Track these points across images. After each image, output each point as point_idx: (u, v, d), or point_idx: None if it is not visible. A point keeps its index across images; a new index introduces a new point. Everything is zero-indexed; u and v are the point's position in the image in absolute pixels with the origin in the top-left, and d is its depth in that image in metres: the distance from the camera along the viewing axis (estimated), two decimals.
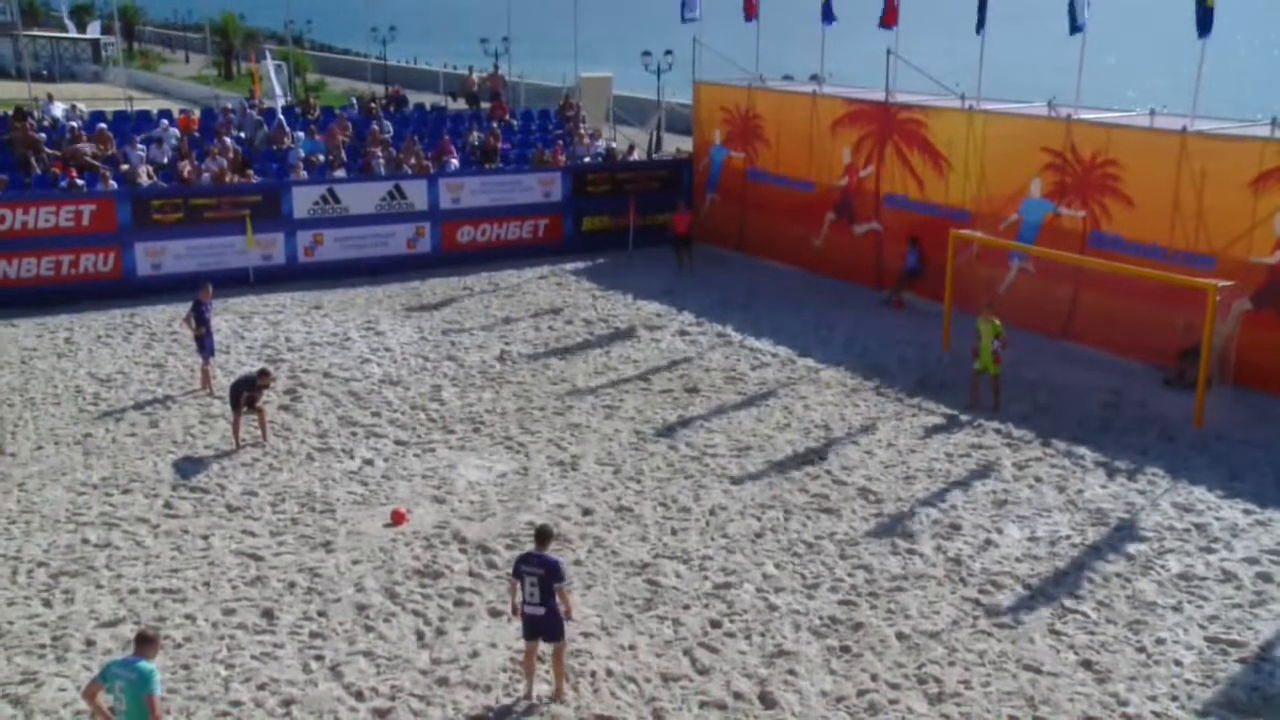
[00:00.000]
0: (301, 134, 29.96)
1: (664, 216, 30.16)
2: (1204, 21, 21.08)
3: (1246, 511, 15.86)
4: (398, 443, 18.06)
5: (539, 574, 11.23)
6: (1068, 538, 15.13)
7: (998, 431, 18.65)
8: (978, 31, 24.58)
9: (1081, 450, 17.85)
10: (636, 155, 33.68)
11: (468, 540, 14.93)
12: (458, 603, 13.48)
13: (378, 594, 13.65)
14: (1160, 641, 12.81)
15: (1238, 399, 19.49)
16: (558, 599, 11.31)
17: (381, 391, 20.25)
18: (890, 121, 26.40)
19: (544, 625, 11.36)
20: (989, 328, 19.30)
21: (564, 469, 17.19)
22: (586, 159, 31.87)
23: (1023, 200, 23.64)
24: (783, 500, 16.22)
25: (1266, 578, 14.11)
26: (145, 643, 9.79)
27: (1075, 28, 23.00)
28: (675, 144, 37.70)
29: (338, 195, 27.89)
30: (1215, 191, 20.49)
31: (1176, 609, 13.45)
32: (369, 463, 17.33)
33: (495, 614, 13.19)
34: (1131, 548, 14.86)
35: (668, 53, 41.35)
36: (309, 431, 18.40)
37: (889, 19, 26.50)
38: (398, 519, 15.46)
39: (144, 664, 9.61)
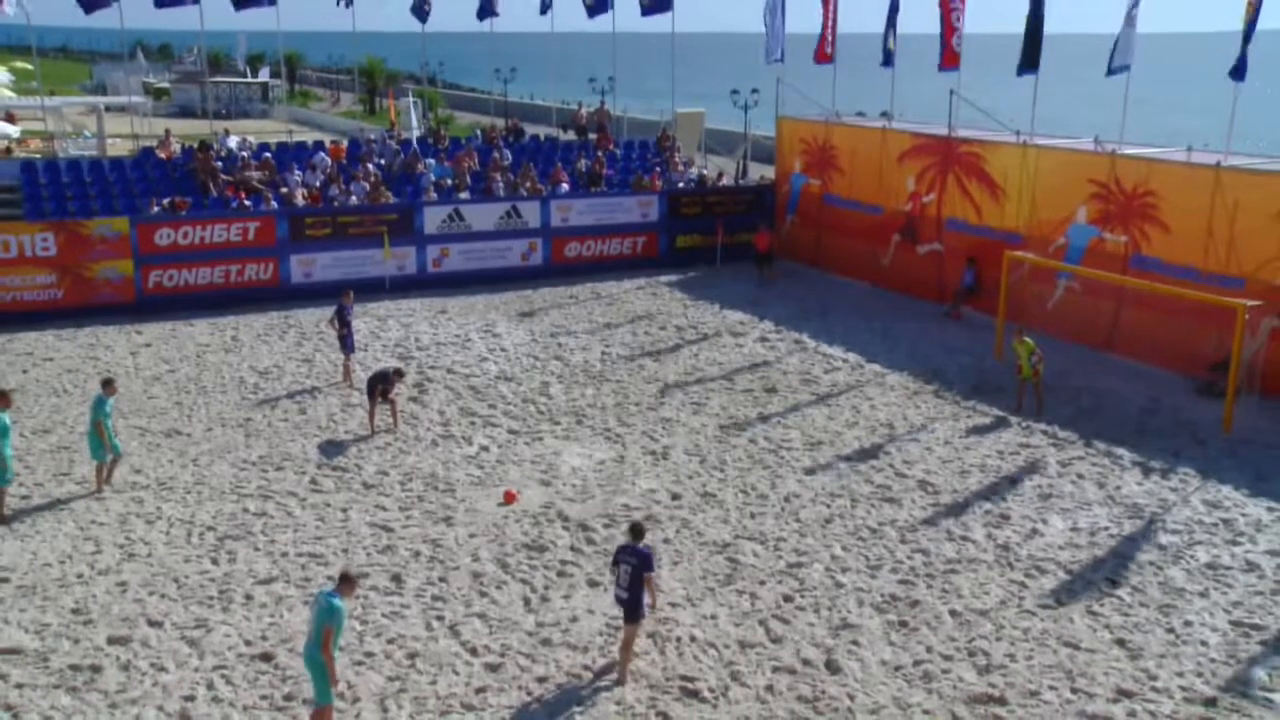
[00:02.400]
0: (433, 161, 30.46)
1: (748, 235, 30.10)
2: (1239, 68, 20.57)
3: (1270, 509, 15.44)
4: (510, 432, 18.30)
5: (633, 563, 11.28)
6: (1106, 529, 14.88)
7: (1044, 433, 18.36)
8: (1018, 74, 24.22)
9: (1120, 451, 17.51)
10: (725, 181, 33.62)
11: (570, 519, 15.09)
12: (560, 574, 13.66)
13: (491, 564, 13.88)
14: (1188, 624, 12.56)
15: (1264, 407, 18.95)
16: (645, 587, 11.35)
17: (497, 386, 20.53)
18: (952, 154, 26.07)
19: (627, 606, 11.38)
20: (1024, 348, 18.96)
21: (656, 458, 17.28)
22: (680, 184, 31.87)
23: (1070, 226, 23.20)
24: (850, 490, 16.16)
25: None
26: (344, 581, 10.09)
27: (1111, 70, 22.57)
28: (760, 172, 37.53)
29: (462, 214, 28.29)
30: (1245, 220, 19.94)
31: (1204, 595, 13.17)
32: (485, 449, 17.60)
33: (593, 584, 13.35)
34: (1164, 539, 14.57)
35: (754, 91, 41.24)
36: (434, 420, 18.74)
37: (948, 62, 26.18)
38: (509, 499, 15.70)
39: (336, 600, 9.83)
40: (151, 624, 12.49)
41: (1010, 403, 19.60)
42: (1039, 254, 22.95)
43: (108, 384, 15.92)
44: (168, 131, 30.79)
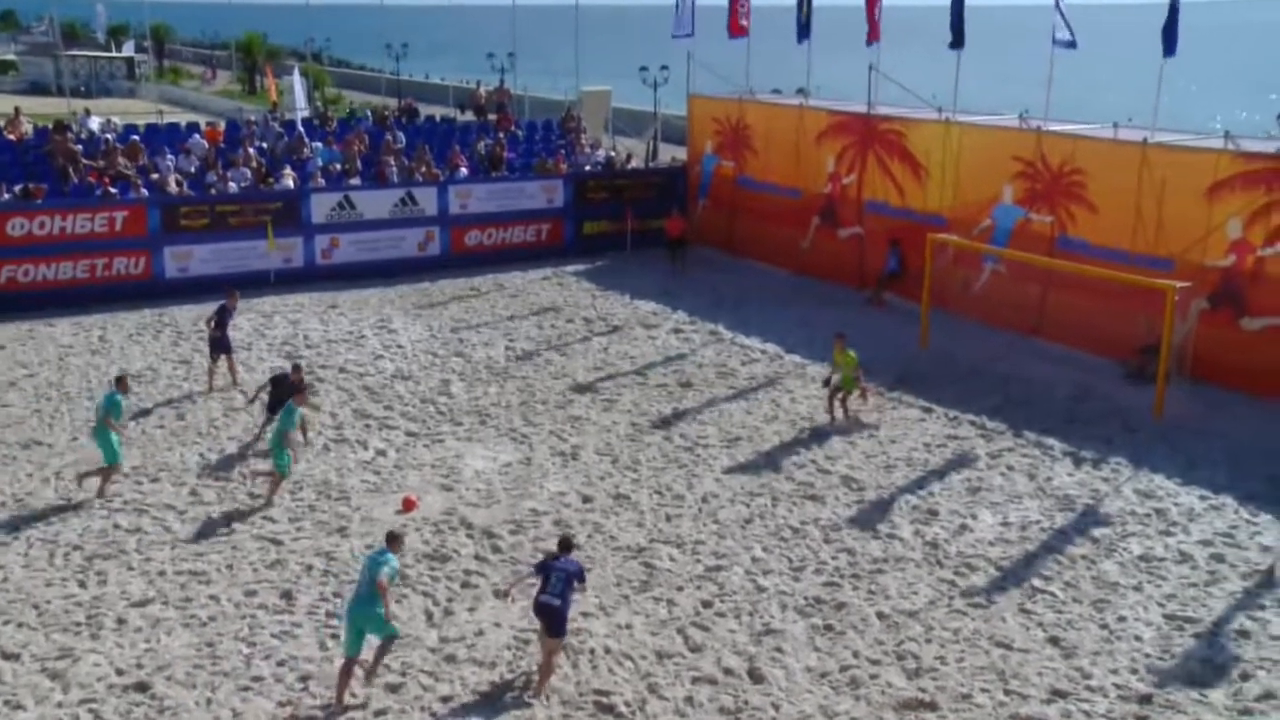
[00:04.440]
0: (320, 144, 29.90)
1: (659, 221, 30.09)
2: (1168, 42, 21.14)
3: (1202, 497, 15.91)
4: (408, 434, 18.04)
5: (567, 571, 11.55)
6: (1037, 523, 15.17)
7: (972, 423, 18.67)
8: (951, 47, 24.63)
9: (1050, 441, 17.87)
10: (634, 164, 33.61)
11: (474, 526, 14.92)
12: (464, 585, 13.49)
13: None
14: (1122, 619, 12.85)
15: (1195, 392, 19.52)
16: (573, 597, 11.67)
17: (393, 386, 20.23)
18: (872, 132, 26.38)
19: (557, 616, 11.44)
20: (847, 361, 18.32)
21: (565, 459, 17.18)
22: (587, 167, 31.80)
23: (995, 206, 23.65)
24: (770, 488, 16.23)
25: (1219, 558, 14.18)
26: (392, 540, 11.66)
27: (1060, 43, 22.98)
28: (670, 153, 37.66)
29: (353, 202, 27.82)
30: (1174, 199, 20.51)
31: (1137, 589, 13.50)
32: (381, 453, 17.32)
33: (500, 595, 13.19)
34: (1096, 531, 14.90)
35: (664, 68, 41.30)
36: (325, 424, 18.38)
37: (874, 35, 26.49)
38: (408, 506, 15.47)
39: (388, 554, 11.41)
40: (6, 657, 11.99)
41: (939, 393, 19.91)
42: (964, 236, 23.35)
43: (121, 380, 16.08)
44: (17, 110, 29.64)
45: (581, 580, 11.82)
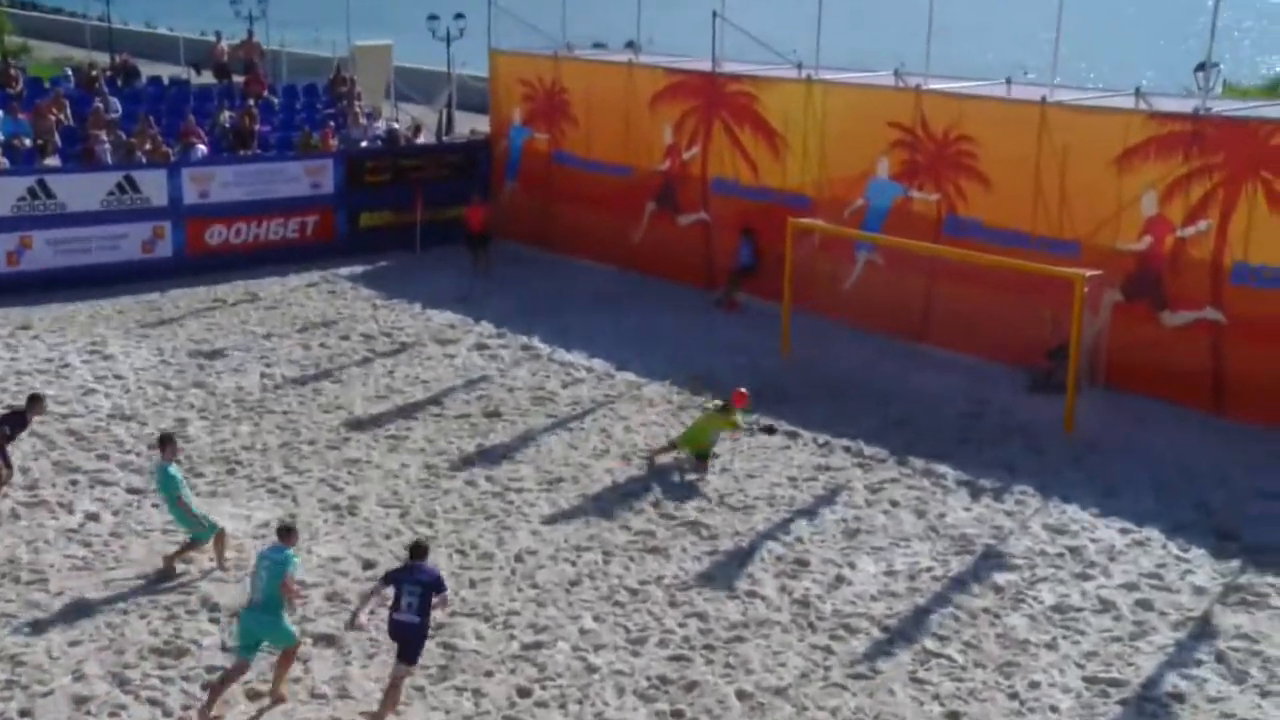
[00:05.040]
0: (0, 112, 28.70)
1: (457, 210, 29.80)
2: None
3: (1124, 530, 16.40)
4: (131, 491, 17.31)
5: (423, 583, 12.21)
6: (929, 570, 15.39)
7: (847, 450, 18.91)
8: None
9: (942, 468, 18.21)
10: (423, 138, 33.34)
11: (220, 607, 14.34)
12: (205, 686, 12.88)
13: (102, 682, 12.94)
14: (1034, 685, 13.08)
15: (1110, 403, 20.19)
16: (433, 613, 12.39)
17: (110, 429, 19.44)
18: (717, 95, 26.67)
19: (412, 636, 12.17)
20: (727, 424, 18.25)
21: (340, 514, 16.77)
22: (364, 143, 31.42)
23: (869, 182, 24.16)
24: (602, 540, 16.12)
25: (1147, 605, 14.59)
26: (286, 533, 12.77)
27: None
28: (469, 124, 37.41)
29: (50, 189, 26.76)
30: (1078, 170, 21.27)
31: (1051, 646, 13.78)
32: (93, 517, 16.55)
33: (254, 696, 12.69)
34: (1000, 578, 15.18)
35: (458, 16, 41.12)
36: (14, 482, 17.46)
37: None
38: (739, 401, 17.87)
39: (286, 551, 12.50)
40: None
41: (806, 413, 20.14)
42: (832, 220, 23.74)
43: (167, 442, 15.38)
44: None
45: (440, 590, 12.38)
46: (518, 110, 31.34)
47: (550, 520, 16.69)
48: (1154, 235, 20.62)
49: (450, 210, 30.25)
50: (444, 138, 35.31)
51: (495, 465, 18.40)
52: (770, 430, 18.99)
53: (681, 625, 14.16)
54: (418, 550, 12.64)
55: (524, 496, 17.37)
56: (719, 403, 18.57)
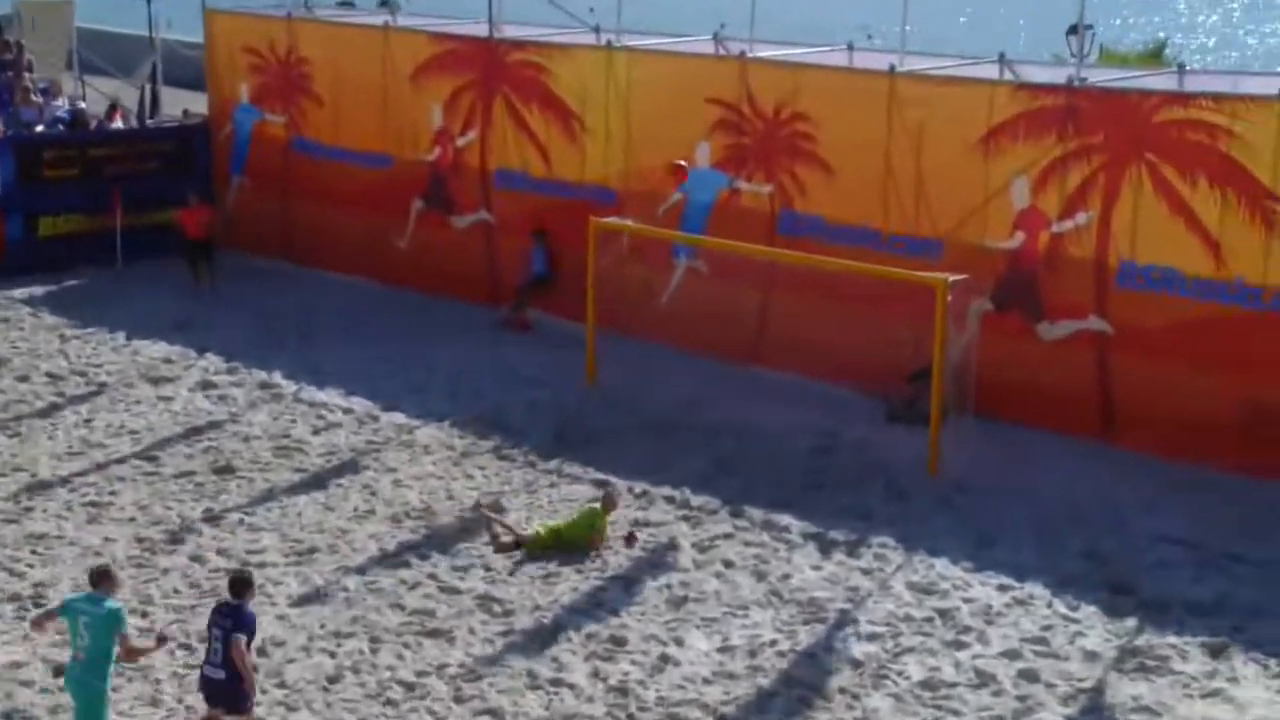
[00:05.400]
0: None
1: (169, 213, 29.41)
2: None
3: (1002, 587, 16.93)
4: None
5: (226, 626, 12.80)
6: (772, 643, 15.64)
7: (670, 500, 19.20)
8: None
9: (785, 519, 18.59)
10: (121, 121, 32.82)
11: None
12: None
13: None
14: None
15: (983, 433, 20.79)
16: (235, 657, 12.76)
17: None
18: (498, 66, 26.81)
19: (224, 692, 12.80)
20: (596, 521, 18.18)
21: (21, 606, 16.33)
22: (39, 127, 30.96)
23: (687, 172, 24.48)
24: (368, 624, 16.06)
25: (1031, 676, 15.06)
26: (103, 578, 13.11)
27: None
28: (181, 103, 36.80)
29: None
30: (937, 154, 21.94)
31: None
32: None
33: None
34: (858, 650, 15.51)
35: None
36: None
37: None
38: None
39: (111, 603, 12.87)
40: None
41: (616, 452, 20.39)
42: (643, 219, 24.00)
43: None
44: None
45: (246, 633, 12.94)
46: (244, 86, 31.03)
47: (302, 601, 16.56)
48: (1027, 231, 21.40)
49: (160, 213, 29.80)
50: (148, 121, 34.67)
51: (229, 535, 18.22)
52: (631, 539, 18.27)
53: None
54: (233, 586, 13.23)
55: (267, 573, 17.14)
56: (596, 504, 18.37)
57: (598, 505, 18.26)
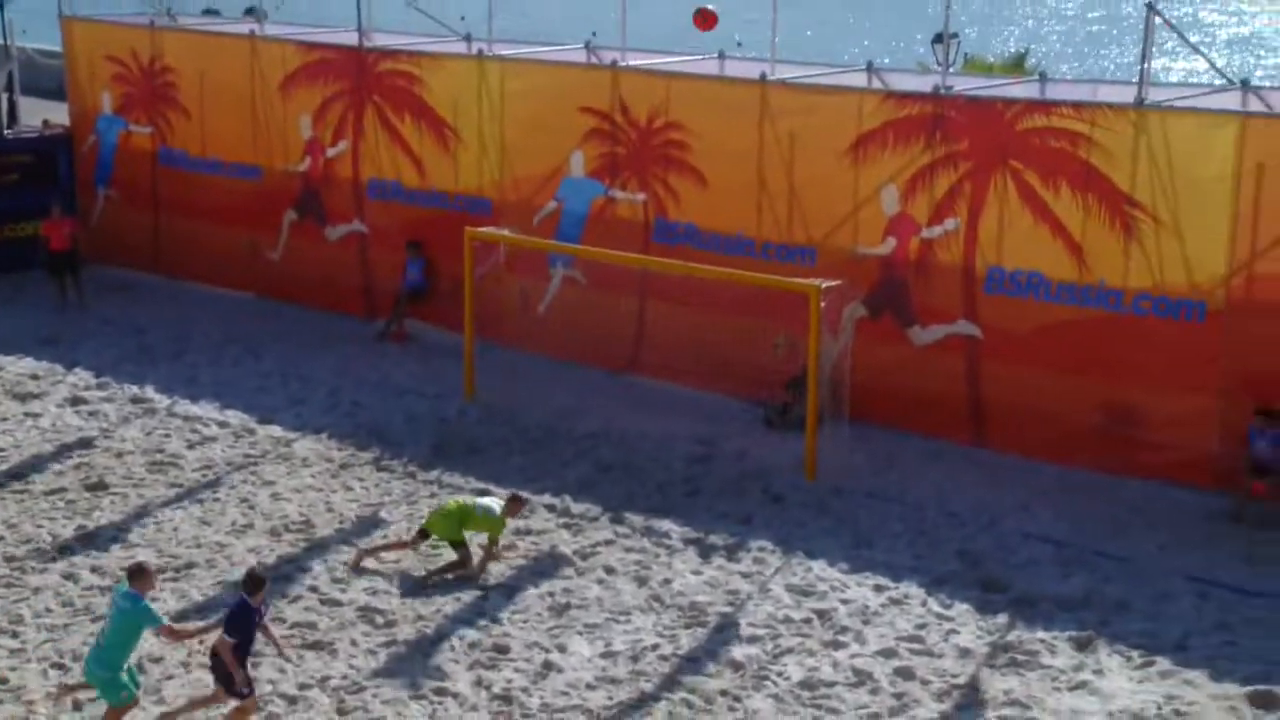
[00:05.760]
0: None
1: (30, 226, 29.11)
2: None
3: (878, 588, 17.36)
4: None
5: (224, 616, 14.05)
6: (654, 648, 15.93)
7: (551, 509, 19.41)
8: None
9: (665, 525, 18.88)
10: None
11: None
12: None
13: None
14: None
15: (859, 438, 21.22)
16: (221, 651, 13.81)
17: None
18: (368, 76, 26.83)
19: (215, 671, 14.03)
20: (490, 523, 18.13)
21: None
22: None
23: (562, 181, 24.78)
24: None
25: (907, 674, 15.48)
26: (138, 575, 13.82)
27: None
28: (41, 113, 36.34)
29: None
30: (808, 162, 22.34)
31: None
32: None
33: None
34: (739, 653, 15.83)
35: None
36: None
37: None
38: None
39: (144, 602, 13.64)
40: None
41: (494, 467, 20.59)
42: (519, 229, 24.13)
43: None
44: None
45: (229, 628, 13.83)
46: (107, 95, 30.74)
47: (180, 618, 16.40)
48: (898, 237, 21.87)
49: (20, 227, 29.53)
50: (6, 131, 34.22)
51: (103, 552, 18.12)
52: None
53: None
54: (250, 582, 14.15)
55: None
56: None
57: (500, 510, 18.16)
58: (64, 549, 18.18)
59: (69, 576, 17.52)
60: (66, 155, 31.45)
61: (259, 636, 14.18)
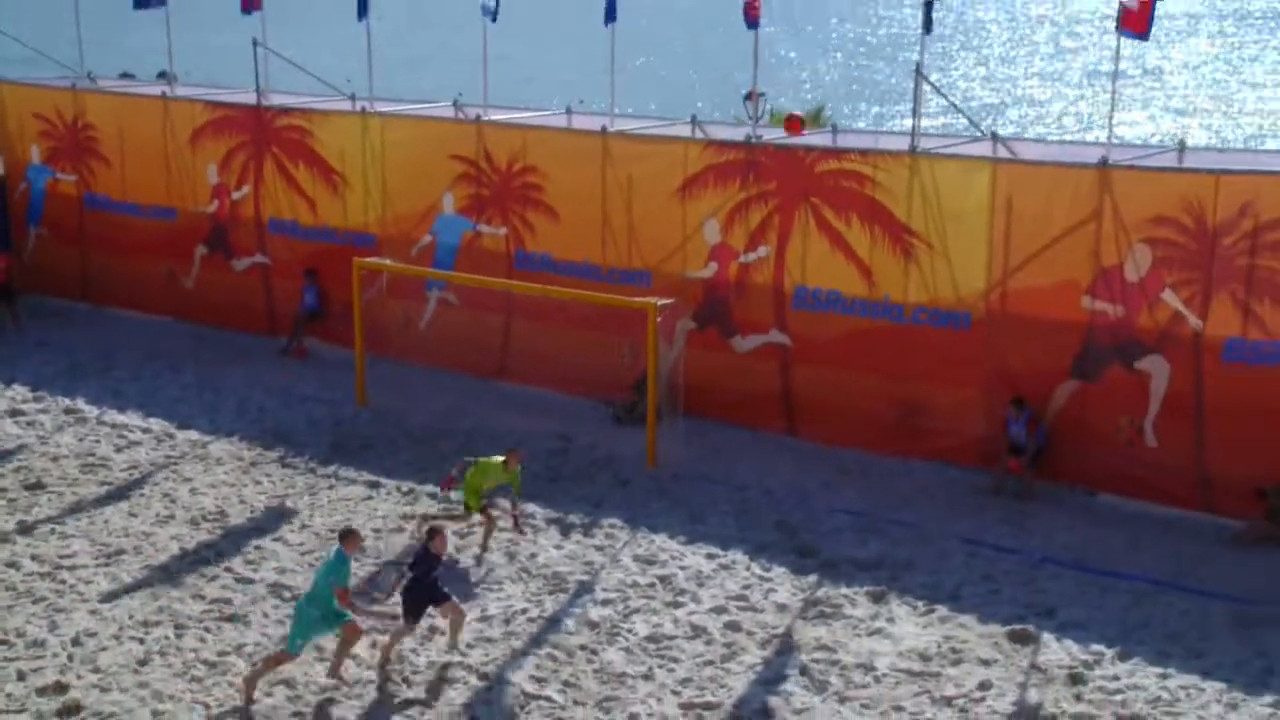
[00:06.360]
0: None
1: None
2: (611, 8, 23.09)
3: (710, 556, 17.54)
4: None
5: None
6: (523, 611, 16.01)
7: (433, 496, 19.32)
8: (360, 18, 25.39)
9: (530, 507, 18.83)
10: None
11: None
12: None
13: None
14: (634, 717, 13.88)
15: (692, 431, 21.38)
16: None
17: None
18: (266, 129, 26.55)
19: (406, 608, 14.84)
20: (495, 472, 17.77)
21: None
22: None
23: (436, 218, 24.72)
24: (172, 612, 15.89)
25: (735, 627, 15.71)
26: (346, 537, 14.46)
27: (486, 11, 24.11)
28: None
29: None
30: (644, 200, 22.49)
31: (648, 677, 14.64)
32: None
33: None
34: (595, 613, 15.97)
35: None
36: None
37: (251, 2, 26.62)
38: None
39: (340, 558, 14.12)
40: None
41: (386, 463, 20.49)
42: (399, 259, 24.12)
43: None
44: None
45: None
46: (35, 148, 30.03)
47: (111, 597, 16.28)
48: (719, 262, 22.05)
49: None
50: None
51: (42, 542, 17.79)
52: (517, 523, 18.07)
53: (268, 694, 14.17)
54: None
55: (78, 574, 16.85)
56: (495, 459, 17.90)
57: (498, 459, 17.78)
58: (6, 540, 17.78)
59: (11, 564, 17.16)
60: (1, 199, 30.61)
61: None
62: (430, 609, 14.96)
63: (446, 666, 14.74)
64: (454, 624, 15.16)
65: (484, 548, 17.72)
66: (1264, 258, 17.79)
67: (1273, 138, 64.09)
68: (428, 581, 14.78)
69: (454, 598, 15.18)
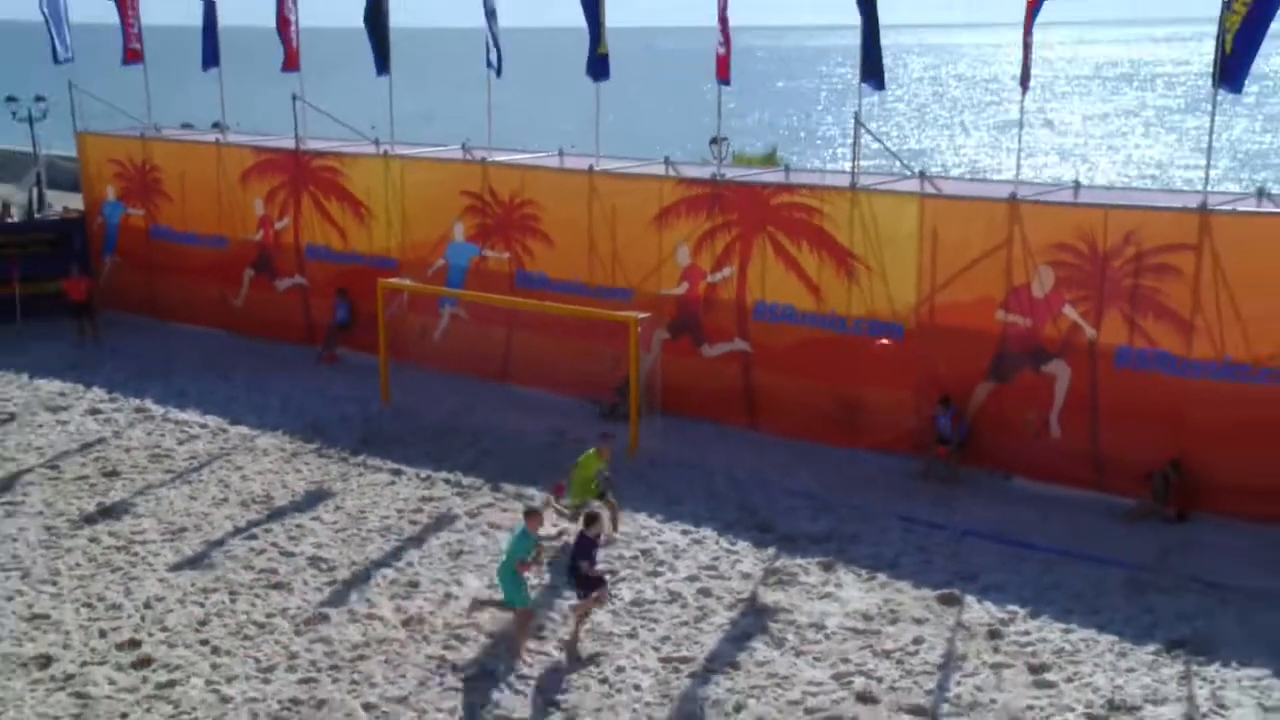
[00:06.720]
0: None
1: (55, 283, 28.11)
2: (597, 67, 23.01)
3: (685, 532, 17.49)
4: None
5: (573, 552, 14.43)
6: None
7: (447, 482, 19.24)
8: (379, 73, 25.35)
9: (530, 491, 18.77)
10: (15, 216, 31.44)
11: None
12: None
13: None
14: (620, 670, 13.84)
15: (668, 426, 21.30)
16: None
17: None
18: (304, 170, 26.45)
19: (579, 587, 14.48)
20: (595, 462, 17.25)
21: None
22: None
23: (448, 245, 24.61)
24: (227, 581, 15.81)
25: (706, 593, 15.67)
26: (529, 515, 14.44)
27: (493, 69, 24.15)
28: (64, 201, 35.32)
29: None
30: (625, 228, 22.43)
31: (632, 635, 14.60)
32: None
33: None
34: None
35: (39, 99, 38.67)
36: None
37: (290, 63, 26.55)
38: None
39: (522, 534, 14.18)
40: None
41: (407, 453, 20.38)
42: (417, 279, 24.03)
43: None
44: None
45: (581, 556, 14.24)
46: (110, 188, 29.88)
47: (175, 567, 16.22)
48: (690, 281, 22.00)
49: (49, 284, 28.50)
50: (35, 215, 33.18)
51: (118, 521, 17.71)
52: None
53: (308, 650, 14.11)
54: (584, 519, 14.45)
55: (148, 548, 16.79)
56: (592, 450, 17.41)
57: (593, 450, 17.32)
58: (88, 520, 17.67)
59: (93, 540, 17.11)
60: (82, 232, 30.42)
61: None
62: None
63: (460, 628, 14.66)
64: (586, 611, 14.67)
65: (614, 528, 17.13)
66: (1146, 279, 17.89)
67: (1152, 179, 64.96)
68: (590, 560, 14.36)
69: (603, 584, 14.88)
